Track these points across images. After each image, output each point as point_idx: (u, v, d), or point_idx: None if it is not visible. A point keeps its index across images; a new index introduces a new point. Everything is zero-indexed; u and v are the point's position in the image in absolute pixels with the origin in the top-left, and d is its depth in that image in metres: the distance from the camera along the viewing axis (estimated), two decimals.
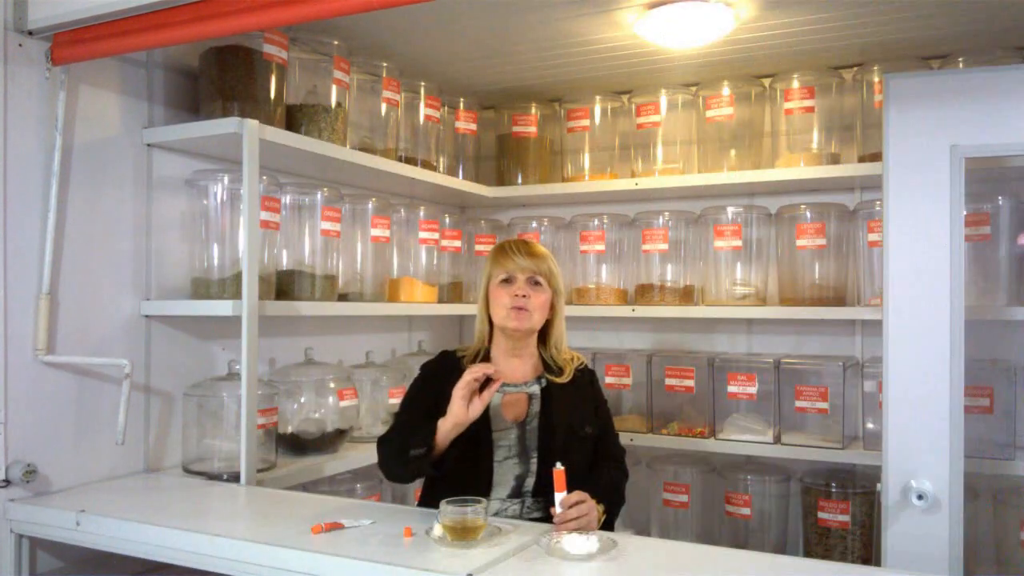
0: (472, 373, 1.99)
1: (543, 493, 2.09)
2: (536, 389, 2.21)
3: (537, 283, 2.18)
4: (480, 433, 2.10)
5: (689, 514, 3.19)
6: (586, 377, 2.31)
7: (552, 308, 2.23)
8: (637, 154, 3.33)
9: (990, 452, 2.60)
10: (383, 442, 2.14)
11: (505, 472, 2.12)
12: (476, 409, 1.99)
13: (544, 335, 2.27)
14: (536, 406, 2.18)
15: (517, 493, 2.12)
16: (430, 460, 2.00)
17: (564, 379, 2.22)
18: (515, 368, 2.23)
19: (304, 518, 1.91)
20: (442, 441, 2.00)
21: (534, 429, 2.14)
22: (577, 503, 1.92)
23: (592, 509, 1.96)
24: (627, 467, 2.32)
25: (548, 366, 2.25)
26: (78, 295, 2.25)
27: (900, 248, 2.37)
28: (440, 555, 1.68)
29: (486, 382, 2.02)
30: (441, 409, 2.06)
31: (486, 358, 2.24)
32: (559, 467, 1.93)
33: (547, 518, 2.06)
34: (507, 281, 2.18)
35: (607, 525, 2.13)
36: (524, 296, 2.15)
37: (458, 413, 1.98)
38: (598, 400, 2.32)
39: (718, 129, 3.16)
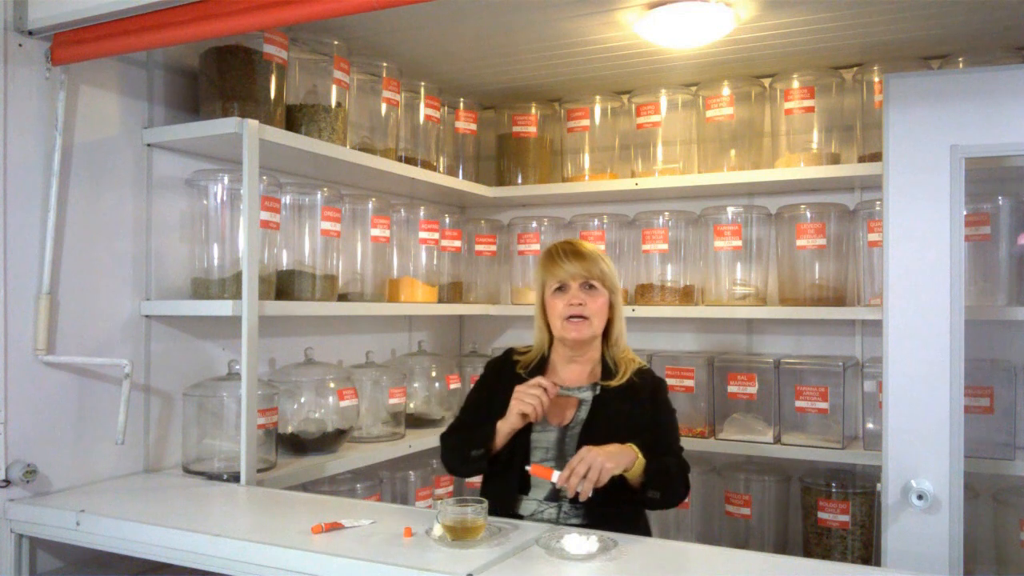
0: (533, 391, 2.03)
1: (583, 502, 1.99)
2: (588, 395, 2.17)
3: (592, 287, 2.14)
4: (520, 432, 2.10)
5: (689, 514, 3.19)
6: (648, 386, 2.20)
7: (611, 307, 2.19)
8: (637, 154, 3.33)
9: (990, 452, 2.60)
10: (444, 438, 2.25)
11: None
12: (533, 418, 2.06)
13: (605, 334, 2.23)
14: (583, 412, 2.14)
15: (554, 497, 2.08)
16: (488, 459, 2.09)
17: (618, 381, 2.17)
18: (573, 372, 2.21)
19: (304, 518, 1.91)
20: (499, 442, 2.09)
21: (575, 435, 2.10)
22: (579, 460, 1.91)
23: (592, 451, 1.92)
24: (686, 465, 2.18)
25: (607, 369, 2.20)
26: (78, 295, 2.25)
27: (900, 248, 2.37)
28: (440, 555, 1.68)
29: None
30: (493, 407, 2.14)
31: (542, 364, 2.23)
32: (530, 468, 2.00)
33: (587, 525, 2.01)
34: (560, 289, 2.15)
35: (651, 489, 2.03)
36: (580, 304, 2.12)
37: (513, 420, 2.06)
38: (657, 412, 2.19)
39: (718, 129, 3.16)
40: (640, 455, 1.98)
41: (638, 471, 1.98)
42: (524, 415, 2.04)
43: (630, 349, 2.29)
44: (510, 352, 2.33)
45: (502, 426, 2.07)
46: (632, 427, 2.08)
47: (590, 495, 1.91)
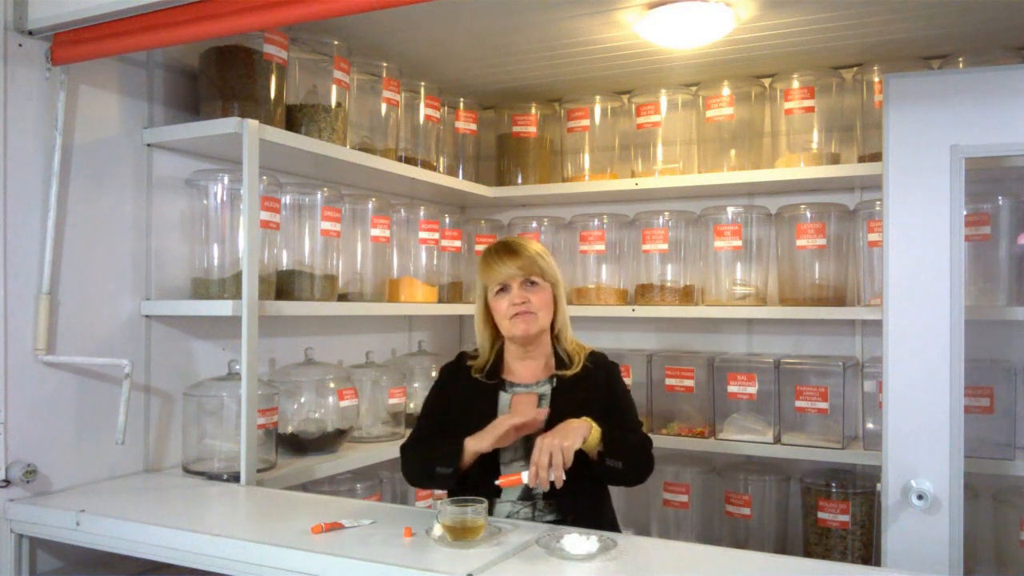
0: (512, 423, 2.02)
1: (555, 495, 2.04)
2: (547, 389, 2.18)
3: (533, 283, 2.15)
4: None
5: (689, 514, 3.19)
6: (601, 371, 2.24)
7: (555, 301, 2.20)
8: (637, 154, 3.33)
9: (990, 452, 2.60)
10: (405, 448, 2.20)
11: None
12: (506, 441, 2.04)
13: (551, 327, 2.24)
14: (544, 406, 2.15)
15: (527, 495, 2.09)
16: (456, 478, 2.06)
17: (574, 370, 2.19)
18: (527, 369, 2.22)
19: (304, 518, 1.91)
20: (468, 460, 2.05)
21: (540, 431, 2.09)
22: (539, 452, 1.92)
23: (545, 438, 1.93)
24: (647, 438, 2.19)
25: (560, 360, 2.22)
26: (78, 295, 2.25)
27: (900, 248, 2.37)
28: (440, 555, 1.68)
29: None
30: (451, 413, 2.15)
31: (497, 365, 2.23)
32: (499, 482, 1.99)
33: (561, 521, 2.04)
34: (503, 290, 2.15)
35: (614, 458, 2.03)
36: (524, 302, 2.12)
37: (487, 447, 2.02)
38: (613, 394, 2.22)
39: (718, 129, 3.16)
40: (595, 425, 2.00)
41: (595, 440, 1.99)
42: (501, 438, 2.03)
43: (576, 339, 2.30)
44: (463, 356, 2.32)
45: (470, 445, 2.03)
46: (592, 411, 2.09)
47: (564, 479, 1.91)
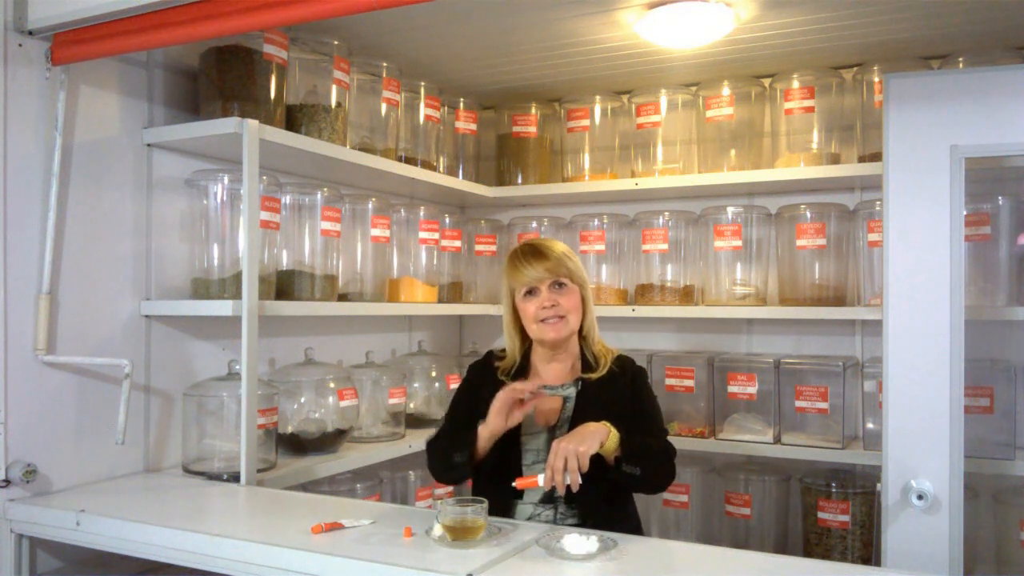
0: (511, 392, 2.00)
1: (576, 499, 2.01)
2: (572, 391, 2.17)
3: (562, 285, 2.13)
4: (509, 436, 2.08)
5: (689, 514, 3.19)
6: (628, 373, 2.21)
7: (583, 302, 2.18)
8: (637, 154, 3.33)
9: (990, 452, 2.60)
10: (431, 444, 2.19)
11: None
12: (515, 419, 2.02)
13: (579, 329, 2.22)
14: (568, 410, 2.14)
15: (549, 499, 2.07)
16: (471, 466, 2.04)
17: (600, 373, 2.17)
18: (554, 371, 2.20)
19: (304, 518, 1.91)
20: (482, 447, 2.05)
21: (563, 434, 2.07)
22: (554, 456, 1.89)
23: (562, 442, 1.90)
24: (671, 446, 2.13)
25: (587, 362, 2.20)
26: (78, 295, 2.25)
27: (900, 248, 2.37)
28: (440, 555, 1.68)
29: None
30: (478, 410, 2.12)
31: (523, 368, 2.22)
32: (516, 483, 1.97)
33: (584, 524, 2.02)
34: (531, 293, 2.13)
35: (633, 464, 1.99)
36: (553, 305, 2.10)
37: (493, 425, 2.01)
38: (639, 398, 2.18)
39: (718, 129, 3.16)
40: (613, 430, 1.97)
41: (613, 445, 1.96)
42: (504, 413, 2.01)
43: (603, 341, 2.28)
44: (491, 355, 2.31)
45: (483, 431, 2.04)
46: (616, 416, 2.06)
47: (580, 483, 1.89)
